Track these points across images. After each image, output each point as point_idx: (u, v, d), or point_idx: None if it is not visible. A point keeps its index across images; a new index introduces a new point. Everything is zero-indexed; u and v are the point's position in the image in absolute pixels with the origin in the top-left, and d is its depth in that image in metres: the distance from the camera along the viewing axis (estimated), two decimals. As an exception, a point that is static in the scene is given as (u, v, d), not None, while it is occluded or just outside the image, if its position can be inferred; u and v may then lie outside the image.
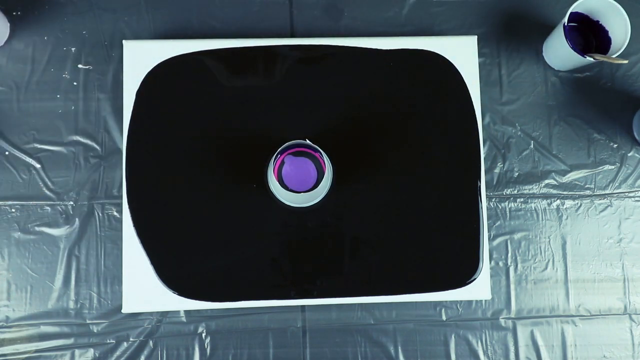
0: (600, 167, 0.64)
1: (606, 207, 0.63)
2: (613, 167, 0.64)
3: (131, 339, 0.59)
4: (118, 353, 0.58)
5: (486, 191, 0.62)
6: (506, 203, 0.63)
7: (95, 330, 0.58)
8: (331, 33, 0.64)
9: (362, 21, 0.64)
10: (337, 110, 0.60)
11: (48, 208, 0.60)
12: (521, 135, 0.63)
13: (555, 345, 0.61)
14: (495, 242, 0.62)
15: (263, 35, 0.63)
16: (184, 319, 0.59)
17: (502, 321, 0.61)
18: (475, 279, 0.59)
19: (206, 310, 0.59)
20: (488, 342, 0.61)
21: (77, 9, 0.62)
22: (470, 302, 0.61)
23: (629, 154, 0.64)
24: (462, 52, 0.61)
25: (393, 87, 0.60)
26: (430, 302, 0.61)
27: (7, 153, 0.60)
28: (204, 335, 0.59)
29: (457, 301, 0.61)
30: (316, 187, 0.56)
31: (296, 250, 0.59)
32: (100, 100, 0.61)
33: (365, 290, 0.58)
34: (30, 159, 0.60)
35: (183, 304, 0.57)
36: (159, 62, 0.59)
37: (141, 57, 0.59)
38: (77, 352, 0.58)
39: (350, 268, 0.58)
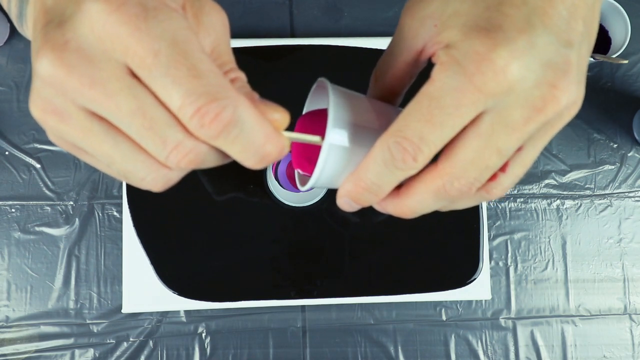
0: (600, 167, 0.64)
1: (606, 207, 0.63)
2: (613, 167, 0.64)
3: (131, 339, 0.59)
4: (118, 353, 0.58)
5: (486, 191, 0.62)
6: (506, 203, 0.63)
7: (95, 330, 0.58)
8: (331, 33, 0.64)
9: (362, 21, 0.64)
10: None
11: (48, 208, 0.60)
12: (521, 135, 0.63)
13: (555, 345, 0.61)
14: (495, 242, 0.62)
15: (263, 35, 0.63)
16: (184, 319, 0.59)
17: (502, 321, 0.61)
18: (475, 279, 0.59)
19: (206, 310, 0.59)
20: (488, 342, 0.61)
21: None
22: (470, 302, 0.61)
23: (629, 154, 0.64)
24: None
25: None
26: (430, 302, 0.60)
27: (7, 153, 0.60)
28: (204, 335, 0.59)
29: (457, 301, 0.61)
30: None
31: (296, 250, 0.59)
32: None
33: (365, 290, 0.58)
34: (30, 159, 0.60)
35: (183, 304, 0.57)
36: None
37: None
38: (77, 352, 0.58)
39: (350, 268, 0.58)
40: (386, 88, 0.28)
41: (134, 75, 0.20)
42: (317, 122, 0.28)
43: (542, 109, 0.21)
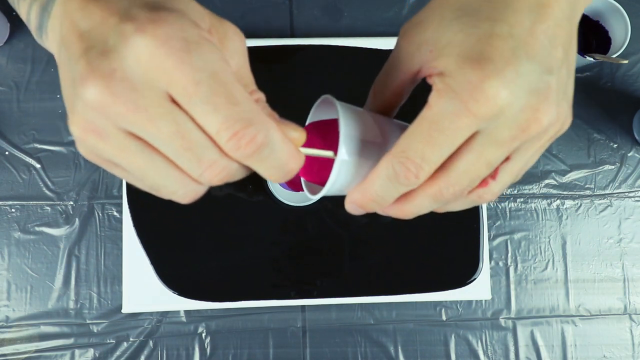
0: (600, 167, 0.64)
1: (606, 207, 0.63)
2: (613, 167, 0.64)
3: (131, 339, 0.59)
4: (118, 353, 0.58)
5: (486, 191, 0.62)
6: (506, 203, 0.63)
7: (95, 330, 0.58)
8: (331, 33, 0.64)
9: (362, 21, 0.64)
10: (337, 110, 0.60)
11: (48, 208, 0.60)
12: (521, 135, 0.63)
13: (555, 345, 0.61)
14: (495, 242, 0.62)
15: (263, 35, 0.63)
16: (184, 319, 0.59)
17: (502, 321, 0.61)
18: (475, 279, 0.59)
19: (206, 310, 0.59)
20: (488, 342, 0.61)
21: (77, 9, 0.62)
22: (470, 302, 0.61)
23: (629, 154, 0.64)
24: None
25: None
26: (430, 302, 0.61)
27: (7, 153, 0.60)
28: (204, 335, 0.59)
29: (457, 301, 0.61)
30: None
31: (296, 250, 0.59)
32: (100, 100, 0.61)
33: (365, 290, 0.58)
34: (30, 159, 0.60)
35: (183, 304, 0.57)
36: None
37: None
38: (77, 352, 0.58)
39: (350, 268, 0.58)
40: (384, 103, 0.32)
41: (173, 101, 0.21)
42: (324, 134, 0.31)
43: (527, 129, 0.24)
